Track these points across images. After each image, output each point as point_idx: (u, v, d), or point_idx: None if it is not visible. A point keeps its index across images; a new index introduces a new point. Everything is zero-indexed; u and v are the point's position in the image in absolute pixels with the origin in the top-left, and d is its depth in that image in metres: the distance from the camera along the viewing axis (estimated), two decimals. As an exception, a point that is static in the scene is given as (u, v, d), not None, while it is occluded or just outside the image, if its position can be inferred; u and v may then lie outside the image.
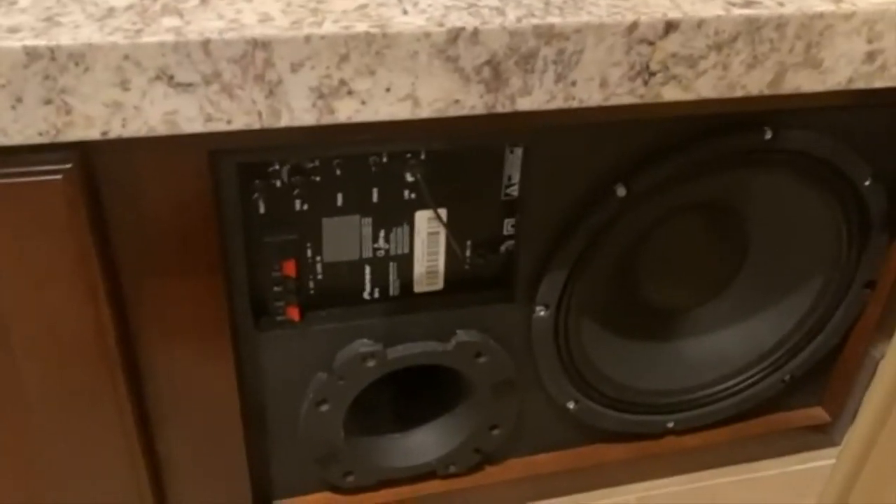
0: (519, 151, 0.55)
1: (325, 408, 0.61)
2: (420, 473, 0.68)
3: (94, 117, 0.40)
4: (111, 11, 0.41)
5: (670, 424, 0.72)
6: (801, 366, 0.72)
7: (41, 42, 0.38)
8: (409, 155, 0.54)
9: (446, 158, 0.54)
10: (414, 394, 0.70)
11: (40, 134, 0.40)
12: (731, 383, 0.72)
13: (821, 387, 0.76)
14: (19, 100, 0.39)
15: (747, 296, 0.70)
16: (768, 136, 0.56)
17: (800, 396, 0.76)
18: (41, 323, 0.48)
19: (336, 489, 0.67)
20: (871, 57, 0.49)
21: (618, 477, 0.75)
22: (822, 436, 0.79)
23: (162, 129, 0.41)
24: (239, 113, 0.42)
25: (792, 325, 0.70)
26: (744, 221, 0.66)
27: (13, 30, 0.38)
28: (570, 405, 0.67)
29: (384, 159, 0.53)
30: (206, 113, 0.41)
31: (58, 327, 0.48)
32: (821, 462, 0.78)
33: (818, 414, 0.77)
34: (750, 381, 0.72)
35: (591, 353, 0.66)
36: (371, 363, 0.59)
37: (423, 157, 0.54)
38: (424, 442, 0.68)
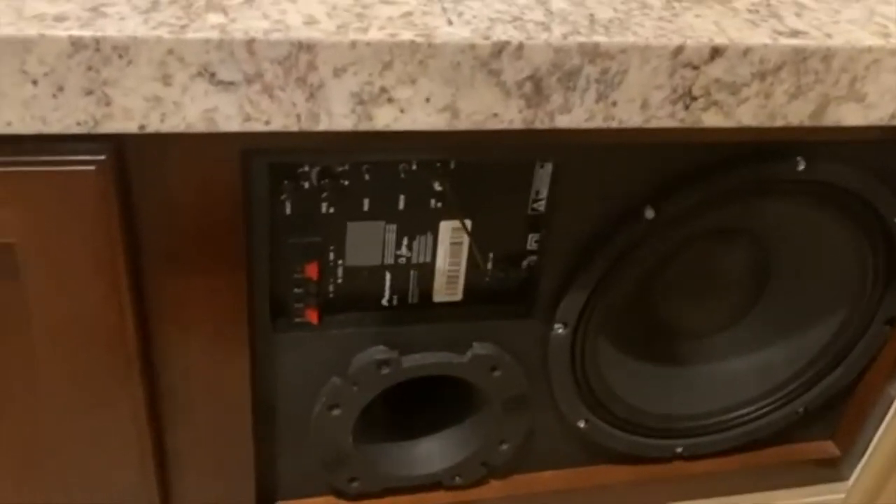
0: (549, 167, 0.55)
1: (336, 412, 0.60)
2: (425, 483, 0.67)
3: (133, 110, 0.40)
4: (156, 4, 0.40)
5: (679, 449, 0.72)
6: (816, 399, 0.71)
7: (87, 33, 0.37)
8: (438, 164, 0.53)
9: (475, 169, 0.54)
10: (424, 402, 0.69)
11: (79, 124, 0.40)
12: (743, 412, 0.72)
13: (833, 421, 0.76)
14: (61, 89, 0.38)
15: (766, 325, 0.69)
16: (801, 166, 0.56)
17: (811, 429, 0.76)
18: (62, 310, 0.47)
19: (340, 494, 0.67)
20: (915, 94, 0.48)
21: (623, 499, 0.74)
22: (829, 470, 0.78)
23: (200, 127, 0.41)
24: (278, 114, 0.41)
25: (809, 358, 0.69)
26: (768, 250, 0.66)
27: (59, 18, 0.38)
28: (581, 424, 0.67)
29: (413, 167, 0.53)
30: (245, 112, 0.41)
31: (78, 315, 0.48)
32: (828, 496, 0.78)
33: (828, 448, 0.77)
34: (763, 411, 0.72)
35: (605, 373, 0.65)
36: (386, 370, 0.59)
37: (452, 166, 0.54)
38: (432, 452, 0.68)
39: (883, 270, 0.64)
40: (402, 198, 0.54)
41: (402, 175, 0.53)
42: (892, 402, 0.72)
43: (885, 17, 0.49)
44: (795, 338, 0.69)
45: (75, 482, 0.56)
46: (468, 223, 0.56)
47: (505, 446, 0.67)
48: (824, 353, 0.69)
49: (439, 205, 0.55)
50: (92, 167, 0.42)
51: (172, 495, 0.61)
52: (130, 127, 0.40)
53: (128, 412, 0.53)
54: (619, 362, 0.67)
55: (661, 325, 0.69)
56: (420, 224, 0.56)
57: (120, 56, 0.38)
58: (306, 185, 0.52)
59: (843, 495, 0.69)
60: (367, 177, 0.53)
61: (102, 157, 0.42)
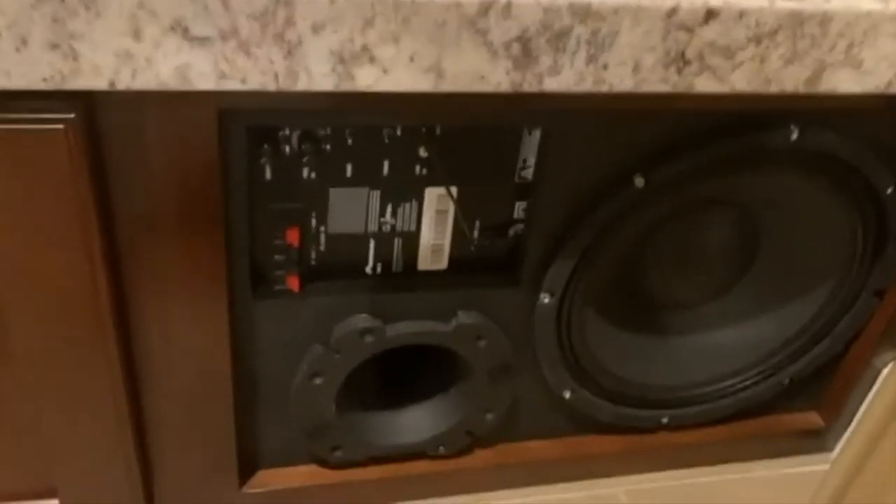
0: (537, 133, 0.54)
1: (318, 381, 0.60)
2: (409, 452, 0.67)
3: (102, 66, 0.38)
4: (126, -46, 0.38)
5: (665, 420, 0.71)
6: (802, 370, 0.71)
7: (51, -18, 0.35)
8: (423, 129, 0.52)
9: (462, 135, 0.52)
10: (408, 371, 0.68)
11: (44, 80, 0.38)
12: (729, 383, 0.71)
13: (818, 392, 0.76)
14: (24, 42, 0.37)
15: (754, 296, 0.69)
16: (794, 136, 0.55)
17: (796, 400, 0.76)
18: (33, 274, 0.46)
19: (323, 462, 0.66)
20: (912, 62, 0.47)
21: (608, 468, 0.74)
22: (814, 440, 0.78)
23: (173, 84, 0.39)
24: (254, 72, 0.40)
25: (797, 329, 0.69)
26: (758, 220, 0.65)
27: (22, -34, 0.36)
28: (567, 394, 0.66)
29: (398, 132, 0.52)
30: (220, 70, 0.39)
31: (50, 280, 0.46)
32: (812, 467, 0.78)
33: (813, 419, 0.77)
34: (749, 382, 0.71)
35: (591, 343, 0.65)
36: (369, 339, 0.58)
37: (438, 132, 0.52)
38: (416, 421, 0.67)
39: (872, 242, 0.64)
40: (386, 163, 0.53)
41: (387, 140, 0.52)
42: (877, 375, 0.72)
43: (884, -19, 0.48)
44: (783, 309, 0.69)
45: (51, 450, 0.55)
46: (454, 190, 0.55)
47: (490, 415, 0.66)
48: (812, 324, 0.69)
49: (425, 171, 0.54)
50: (60, 126, 0.40)
51: (152, 464, 0.60)
52: (100, 84, 0.39)
53: (104, 379, 0.52)
54: (606, 332, 0.66)
55: (649, 295, 0.68)
56: (405, 191, 0.54)
57: (87, 7, 0.36)
58: (287, 149, 0.50)
59: (827, 466, 0.69)
60: (349, 142, 0.51)
61: (71, 116, 0.41)
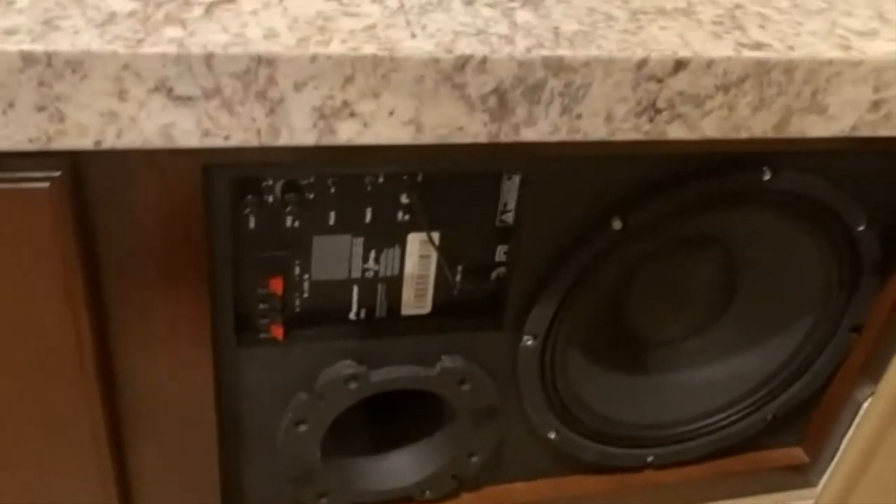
0: (516, 179, 0.55)
1: (303, 428, 0.60)
2: (395, 497, 0.67)
3: (87, 126, 0.39)
4: (112, 17, 0.40)
5: (650, 458, 0.72)
6: (784, 406, 0.72)
7: (38, 47, 0.36)
8: (405, 177, 0.53)
9: (442, 182, 0.53)
10: (393, 416, 0.69)
11: (30, 140, 0.39)
12: (712, 420, 0.72)
13: (801, 427, 0.76)
14: (11, 105, 0.37)
15: (734, 333, 0.70)
16: (767, 176, 0.56)
17: (779, 436, 0.76)
18: (16, 329, 0.46)
19: (309, 510, 0.66)
20: (876, 106, 0.49)
21: (595, 509, 0.74)
22: (798, 476, 0.79)
23: (157, 142, 0.40)
24: (238, 129, 0.41)
25: (777, 365, 0.70)
26: (735, 259, 0.66)
27: (9, 32, 0.37)
28: (552, 435, 0.67)
29: (380, 180, 0.52)
30: (204, 128, 0.40)
31: (33, 335, 0.46)
32: (797, 502, 0.78)
33: (797, 454, 0.77)
34: (732, 419, 0.72)
35: (575, 383, 0.65)
36: (353, 385, 0.58)
37: (419, 179, 0.53)
38: (401, 466, 0.67)
39: (848, 279, 0.65)
40: (368, 211, 0.54)
41: (369, 188, 0.53)
42: (858, 408, 0.73)
43: (846, 30, 0.49)
44: (763, 345, 0.70)
45: (35, 501, 0.55)
46: (436, 236, 0.56)
47: (475, 458, 0.66)
48: (792, 359, 0.70)
49: (407, 217, 0.55)
50: (45, 184, 0.41)
51: (136, 514, 0.60)
52: (85, 143, 0.39)
53: (87, 433, 0.52)
54: (589, 372, 0.67)
55: (630, 333, 0.69)
56: (387, 237, 0.55)
57: (73, 71, 0.37)
58: (270, 198, 0.51)
59: (811, 502, 0.70)
60: (332, 190, 0.52)
61: (57, 174, 0.41)
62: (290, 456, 0.61)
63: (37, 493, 0.54)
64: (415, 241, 0.56)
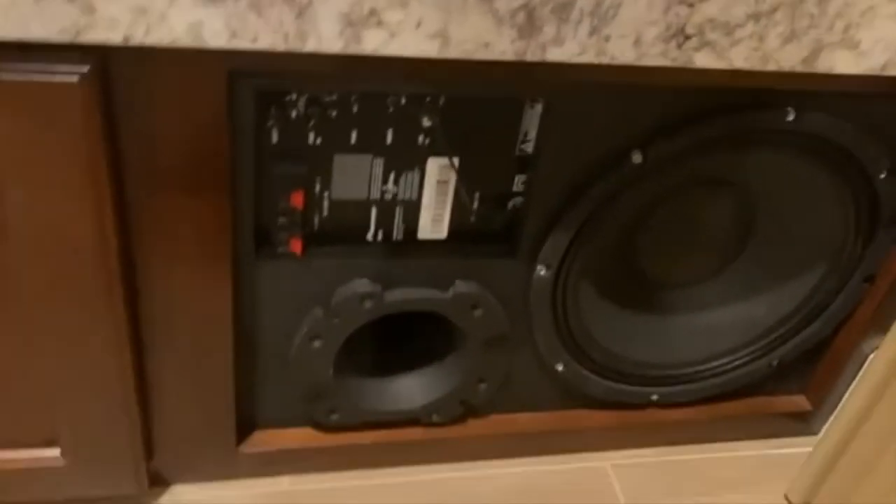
0: (538, 107, 0.55)
1: (317, 343, 0.61)
2: (404, 419, 0.68)
3: (117, 20, 0.39)
4: (144, -88, 0.39)
5: (654, 397, 0.73)
6: (790, 352, 0.72)
7: (71, -66, 0.36)
8: (428, 98, 0.53)
9: (464, 107, 0.53)
10: (405, 339, 0.70)
11: (61, 31, 0.39)
12: (718, 362, 0.73)
13: (805, 375, 0.77)
14: (43, -7, 0.38)
15: (747, 277, 0.70)
16: (791, 117, 0.56)
17: (784, 382, 0.77)
18: (44, 224, 0.47)
19: (319, 425, 0.68)
20: (908, 45, 0.48)
21: (597, 443, 0.76)
22: (800, 423, 0.80)
23: (186, 41, 0.40)
24: (265, 32, 0.41)
25: (787, 311, 0.70)
26: (752, 203, 0.66)
27: (43, -82, 0.37)
28: (559, 367, 0.68)
29: (402, 101, 0.53)
30: (232, 28, 0.40)
31: (60, 231, 0.47)
32: (797, 449, 0.79)
33: (800, 402, 0.78)
34: (738, 363, 0.73)
35: (585, 317, 0.66)
36: (368, 304, 0.59)
37: (441, 102, 0.53)
38: (411, 388, 0.68)
39: (865, 227, 0.65)
40: (390, 132, 0.54)
41: (391, 109, 0.53)
42: (865, 359, 0.73)
43: (883, -34, 0.49)
44: (775, 291, 0.70)
45: (54, 400, 0.56)
46: (455, 161, 0.56)
47: (483, 385, 0.67)
48: (802, 307, 0.70)
49: (427, 141, 0.55)
50: (75, 78, 0.41)
51: (152, 418, 0.61)
52: (115, 38, 0.40)
53: (108, 331, 0.53)
54: (600, 308, 0.67)
55: (644, 273, 0.69)
56: (408, 160, 0.56)
57: (105, -38, 0.37)
58: (293, 113, 0.51)
59: (810, 448, 0.71)
60: (355, 108, 0.52)
61: (86, 69, 0.42)
62: (303, 371, 0.62)
63: (60, 390, 0.56)
64: (434, 165, 0.56)
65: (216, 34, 0.40)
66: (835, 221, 0.65)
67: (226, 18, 0.40)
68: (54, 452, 0.59)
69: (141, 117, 0.46)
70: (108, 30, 0.39)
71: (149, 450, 0.62)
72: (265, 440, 0.66)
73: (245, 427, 0.66)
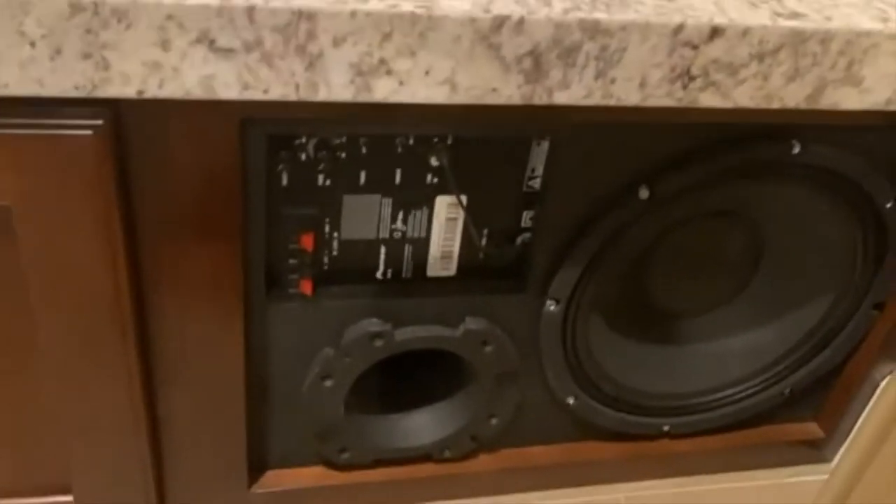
0: (545, 144, 0.55)
1: (328, 383, 0.61)
2: (415, 456, 0.68)
3: (131, 75, 0.40)
4: (156, -31, 0.40)
5: (666, 428, 0.73)
6: (802, 380, 0.72)
7: (86, -5, 0.37)
8: (436, 139, 0.53)
9: (472, 145, 0.54)
10: (415, 375, 0.70)
11: (76, 88, 0.39)
12: (730, 392, 0.72)
13: (817, 402, 0.77)
14: (58, 51, 0.38)
15: (756, 306, 0.70)
16: (796, 150, 0.56)
17: (795, 410, 0.77)
18: (58, 275, 0.48)
19: (331, 464, 0.67)
20: (911, 80, 0.49)
21: (609, 475, 0.75)
22: (812, 451, 0.80)
23: (198, 93, 0.41)
24: (277, 83, 0.41)
25: (797, 340, 0.70)
26: (761, 232, 0.66)
27: (58, -21, 0.38)
28: (570, 400, 0.68)
29: (411, 141, 0.53)
30: (244, 80, 0.41)
31: (74, 280, 0.48)
32: (810, 477, 0.79)
33: (812, 429, 0.78)
34: (750, 392, 0.72)
35: (596, 350, 0.66)
36: (379, 343, 0.59)
37: (449, 141, 0.54)
38: (422, 425, 0.68)
39: (873, 255, 0.65)
40: (398, 172, 0.54)
41: (399, 149, 0.53)
42: (877, 386, 0.73)
43: (884, 2, 0.49)
44: (784, 320, 0.70)
45: (67, 446, 0.57)
46: (463, 199, 0.56)
47: (494, 420, 0.67)
48: (812, 335, 0.70)
49: (436, 180, 0.55)
50: (89, 132, 0.42)
51: (164, 462, 0.61)
52: (128, 92, 0.40)
53: (121, 376, 0.53)
54: (610, 340, 0.67)
55: (653, 303, 0.69)
56: (416, 199, 0.56)
57: (119, 20, 0.38)
58: (303, 156, 0.52)
59: (825, 476, 0.71)
60: (364, 150, 0.53)
61: (100, 122, 0.42)
62: (314, 410, 0.62)
63: (73, 437, 0.56)
64: (443, 203, 0.57)
65: (228, 86, 0.41)
66: (842, 250, 0.65)
67: (238, 71, 0.41)
68: (67, 499, 0.59)
69: (154, 166, 0.47)
70: (122, 84, 0.40)
71: (160, 494, 0.62)
72: (277, 480, 0.66)
73: (257, 468, 0.66)
